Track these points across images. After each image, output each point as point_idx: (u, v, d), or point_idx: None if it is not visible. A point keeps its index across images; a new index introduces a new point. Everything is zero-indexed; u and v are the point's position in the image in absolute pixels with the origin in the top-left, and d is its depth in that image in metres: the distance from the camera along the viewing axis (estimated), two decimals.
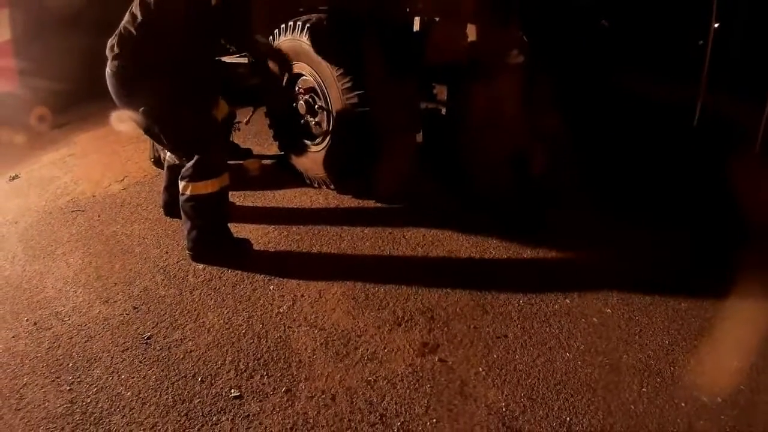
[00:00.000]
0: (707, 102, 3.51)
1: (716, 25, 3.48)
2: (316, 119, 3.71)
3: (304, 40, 3.52)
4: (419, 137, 3.94)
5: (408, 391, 2.12)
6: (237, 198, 3.64)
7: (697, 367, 2.26)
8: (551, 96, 3.61)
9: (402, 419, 2.00)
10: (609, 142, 3.77)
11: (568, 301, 2.63)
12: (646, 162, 3.72)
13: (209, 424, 1.98)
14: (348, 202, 3.70)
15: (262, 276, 2.87)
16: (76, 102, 5.89)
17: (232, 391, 2.12)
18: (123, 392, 2.12)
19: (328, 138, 3.66)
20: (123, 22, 2.82)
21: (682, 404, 2.06)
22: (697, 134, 3.57)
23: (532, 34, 3.61)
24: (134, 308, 2.62)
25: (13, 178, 4.32)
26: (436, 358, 2.29)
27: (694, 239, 3.18)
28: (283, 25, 3.69)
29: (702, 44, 3.56)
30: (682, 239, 3.19)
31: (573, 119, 3.54)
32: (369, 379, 2.18)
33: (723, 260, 2.92)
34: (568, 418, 1.99)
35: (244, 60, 4.13)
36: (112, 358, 2.30)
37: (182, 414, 2.03)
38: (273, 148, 4.32)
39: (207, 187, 2.88)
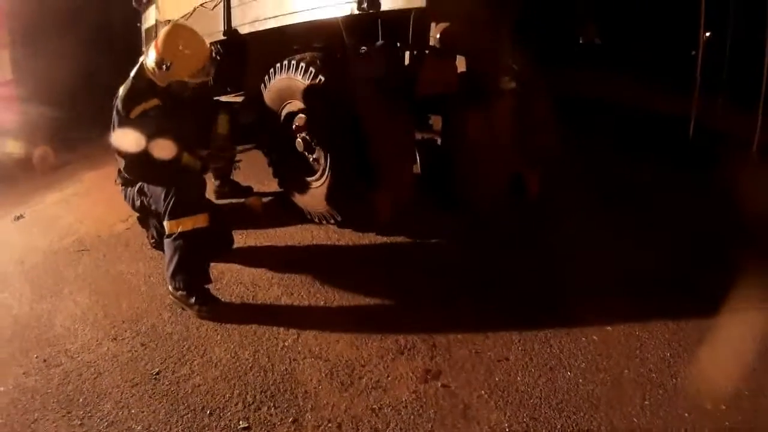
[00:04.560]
0: (701, 111, 3.60)
1: (707, 35, 3.59)
2: (314, 156, 3.78)
3: (299, 79, 3.61)
4: (416, 167, 4.01)
5: (412, 417, 2.15)
6: (239, 235, 3.70)
7: (699, 376, 2.30)
8: (545, 120, 3.70)
9: None
10: (603, 157, 3.85)
11: (569, 321, 2.68)
12: (641, 175, 3.80)
13: None
14: (348, 235, 3.76)
15: (267, 311, 2.92)
16: (78, 137, 5.98)
17: (241, 422, 2.16)
18: (133, 426, 2.15)
19: (326, 173, 3.72)
20: None
21: (686, 414, 2.10)
22: (694, 144, 3.65)
23: (524, 59, 3.71)
24: (142, 345, 2.67)
25: (19, 218, 4.39)
26: (439, 384, 2.32)
27: (692, 249, 3.25)
28: (278, 64, 3.79)
29: (693, 54, 3.67)
30: (679, 251, 3.25)
31: (567, 138, 3.63)
32: (374, 407, 2.22)
33: (722, 266, 2.98)
34: None
35: (239, 99, 4.24)
36: (121, 393, 2.34)
37: None
38: (273, 185, 4.38)
39: (178, 225, 2.91)
